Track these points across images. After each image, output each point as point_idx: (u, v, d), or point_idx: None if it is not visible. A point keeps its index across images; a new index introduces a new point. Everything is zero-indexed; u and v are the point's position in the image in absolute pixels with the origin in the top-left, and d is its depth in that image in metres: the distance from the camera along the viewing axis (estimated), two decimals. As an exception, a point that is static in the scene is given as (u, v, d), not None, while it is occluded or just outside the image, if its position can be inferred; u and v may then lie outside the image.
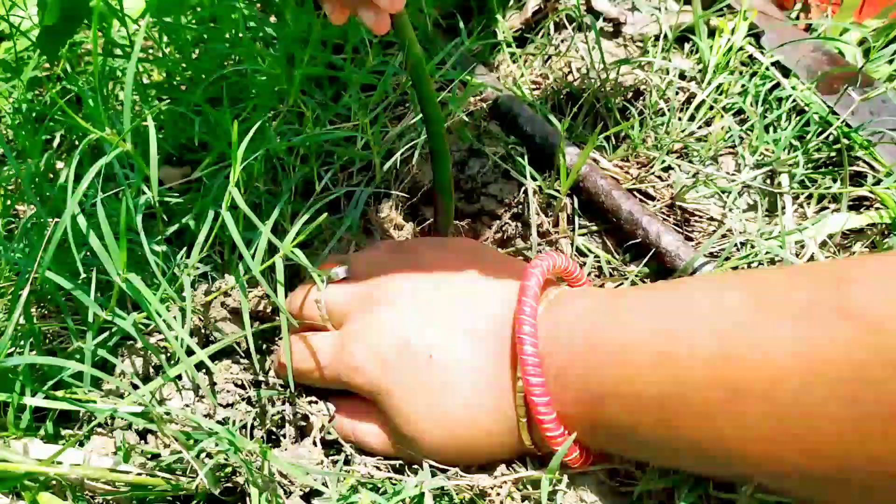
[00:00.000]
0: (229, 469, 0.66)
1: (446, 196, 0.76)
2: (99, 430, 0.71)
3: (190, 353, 0.68)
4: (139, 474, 0.62)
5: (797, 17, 1.10)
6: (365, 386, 0.65)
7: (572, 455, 0.60)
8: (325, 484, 0.62)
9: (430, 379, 0.61)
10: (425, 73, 0.69)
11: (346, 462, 0.69)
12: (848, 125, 0.95)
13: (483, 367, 0.61)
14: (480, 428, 0.61)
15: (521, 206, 0.95)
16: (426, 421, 0.62)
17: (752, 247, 0.88)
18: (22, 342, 0.68)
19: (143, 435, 0.70)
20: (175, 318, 0.68)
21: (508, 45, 1.04)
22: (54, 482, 0.58)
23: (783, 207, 0.92)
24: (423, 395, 0.62)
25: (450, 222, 0.79)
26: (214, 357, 0.77)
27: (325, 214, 0.68)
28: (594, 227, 0.93)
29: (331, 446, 0.72)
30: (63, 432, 0.71)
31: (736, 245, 0.87)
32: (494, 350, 0.61)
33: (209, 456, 0.64)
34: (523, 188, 0.94)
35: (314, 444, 0.71)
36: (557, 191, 0.92)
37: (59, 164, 0.92)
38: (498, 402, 0.60)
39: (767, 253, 0.85)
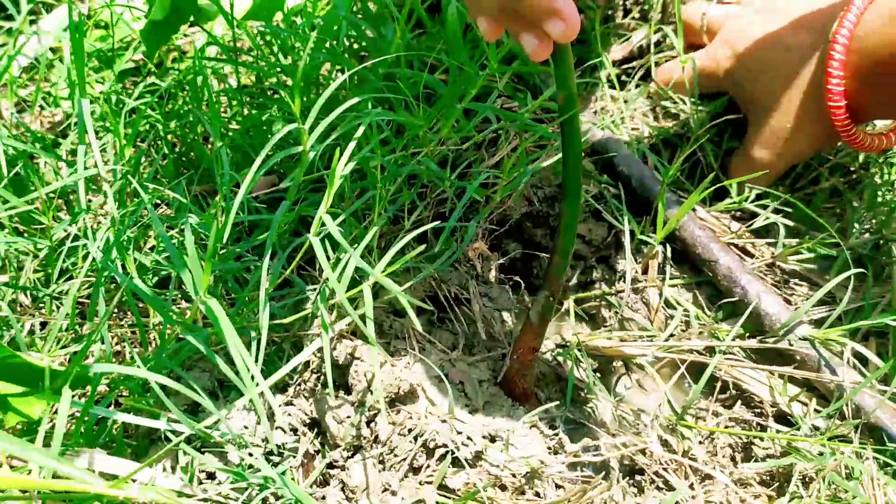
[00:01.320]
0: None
1: (568, 235, 0.70)
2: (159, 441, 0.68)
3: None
4: (204, 500, 0.58)
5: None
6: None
7: (839, 96, 0.79)
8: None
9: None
10: (577, 109, 0.64)
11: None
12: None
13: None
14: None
15: (608, 250, 0.90)
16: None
17: (857, 314, 0.83)
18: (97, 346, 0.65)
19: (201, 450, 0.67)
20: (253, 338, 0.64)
21: (610, 85, 1.00)
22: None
23: (888, 277, 0.87)
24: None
25: (566, 265, 0.73)
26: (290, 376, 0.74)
27: (419, 248, 0.64)
28: (685, 279, 0.89)
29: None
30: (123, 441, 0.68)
31: (840, 316, 0.82)
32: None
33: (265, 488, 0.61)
34: (614, 231, 0.89)
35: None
36: (651, 237, 0.87)
37: (142, 159, 0.90)
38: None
39: (875, 326, 0.80)
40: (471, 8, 0.62)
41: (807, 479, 0.69)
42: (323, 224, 0.63)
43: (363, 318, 0.61)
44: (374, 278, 0.59)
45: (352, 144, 0.58)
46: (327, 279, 0.64)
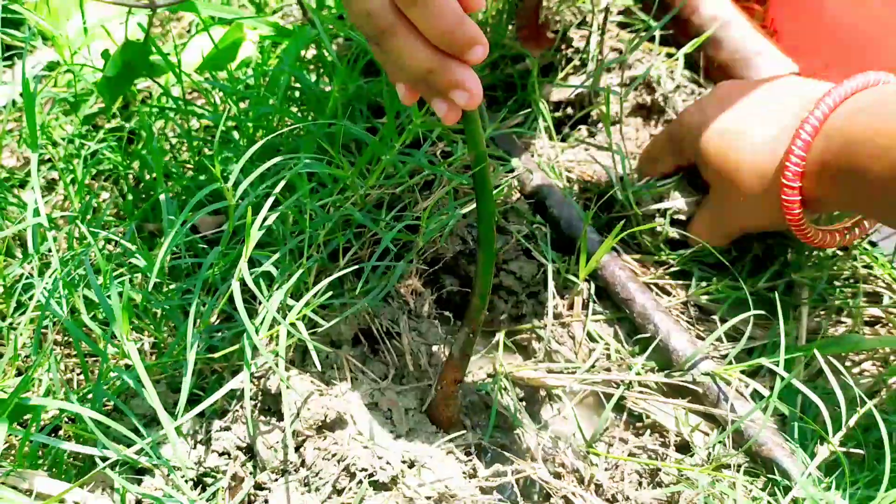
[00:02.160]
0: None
1: (486, 276, 0.76)
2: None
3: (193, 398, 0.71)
4: (132, 519, 0.64)
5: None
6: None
7: (794, 198, 0.82)
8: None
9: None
10: (487, 169, 0.70)
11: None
12: (872, 242, 0.95)
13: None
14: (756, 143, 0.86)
15: (538, 286, 0.97)
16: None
17: (761, 354, 0.89)
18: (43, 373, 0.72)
19: (140, 473, 0.73)
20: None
21: (547, 129, 1.07)
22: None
23: (797, 318, 0.93)
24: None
25: (484, 304, 0.79)
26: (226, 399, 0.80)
27: (326, 294, 0.70)
28: (607, 315, 0.95)
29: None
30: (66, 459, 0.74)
31: (744, 350, 0.88)
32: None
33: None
34: (543, 269, 0.96)
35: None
36: (576, 276, 0.94)
37: (104, 195, 0.96)
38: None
39: (776, 363, 0.86)
40: (389, 75, 0.69)
41: (693, 505, 0.75)
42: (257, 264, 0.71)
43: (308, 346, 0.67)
44: (286, 325, 0.66)
45: (270, 200, 0.65)
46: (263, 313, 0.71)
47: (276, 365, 0.66)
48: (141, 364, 0.59)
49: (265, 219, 0.66)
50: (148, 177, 0.93)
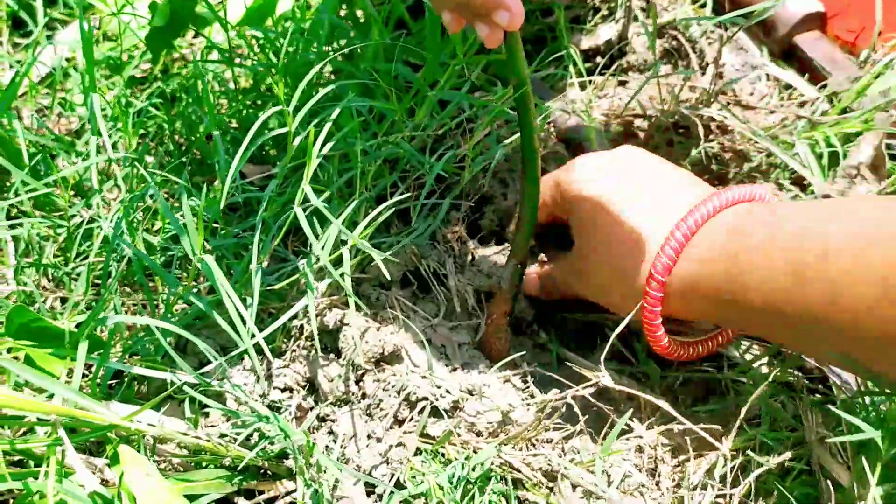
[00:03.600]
0: (280, 449, 0.71)
1: (530, 206, 0.76)
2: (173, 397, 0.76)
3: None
4: (207, 440, 0.66)
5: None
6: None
7: (656, 321, 0.75)
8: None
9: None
10: (529, 92, 0.71)
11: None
12: None
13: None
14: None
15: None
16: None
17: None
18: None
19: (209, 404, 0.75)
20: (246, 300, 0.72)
21: (580, 75, 1.08)
22: (132, 439, 0.62)
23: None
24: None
25: (530, 235, 0.80)
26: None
27: (392, 209, 0.71)
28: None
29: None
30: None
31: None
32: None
33: (263, 436, 0.68)
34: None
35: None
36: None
37: (149, 159, 0.98)
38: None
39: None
40: (434, 4, 0.71)
41: (753, 417, 0.76)
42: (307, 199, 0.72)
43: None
44: (353, 241, 0.67)
45: (327, 125, 0.66)
46: (313, 246, 0.72)
47: (342, 278, 0.67)
48: (220, 271, 0.60)
49: (322, 145, 0.68)
50: (194, 135, 0.95)
